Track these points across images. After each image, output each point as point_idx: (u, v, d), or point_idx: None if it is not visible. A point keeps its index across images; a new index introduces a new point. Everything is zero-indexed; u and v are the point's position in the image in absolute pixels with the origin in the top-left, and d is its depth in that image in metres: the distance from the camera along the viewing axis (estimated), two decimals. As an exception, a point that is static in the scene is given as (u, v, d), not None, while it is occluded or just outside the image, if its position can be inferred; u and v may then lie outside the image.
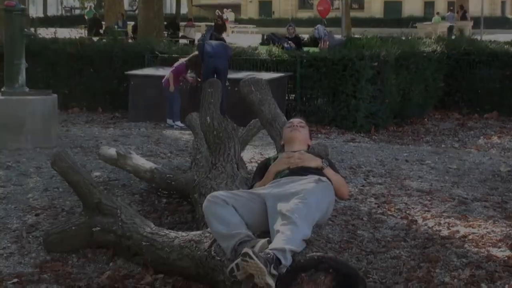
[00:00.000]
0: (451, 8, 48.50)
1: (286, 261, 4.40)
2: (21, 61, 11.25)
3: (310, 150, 6.10)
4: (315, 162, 5.67)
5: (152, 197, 8.33)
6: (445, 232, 7.26)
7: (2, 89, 11.42)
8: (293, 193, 5.07)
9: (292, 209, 4.78)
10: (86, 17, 60.91)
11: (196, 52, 15.06)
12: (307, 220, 4.79)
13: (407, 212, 7.97)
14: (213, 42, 15.68)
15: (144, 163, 8.48)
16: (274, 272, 4.31)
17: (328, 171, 5.58)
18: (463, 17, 39.54)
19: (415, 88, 16.25)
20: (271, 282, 4.28)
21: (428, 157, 11.20)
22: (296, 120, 6.30)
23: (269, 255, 4.37)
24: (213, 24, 30.24)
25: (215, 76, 13.88)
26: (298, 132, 6.12)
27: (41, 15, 72.37)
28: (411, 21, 49.28)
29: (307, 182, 5.28)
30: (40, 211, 7.80)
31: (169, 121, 14.61)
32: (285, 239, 4.54)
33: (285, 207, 4.81)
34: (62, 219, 7.39)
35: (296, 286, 4.31)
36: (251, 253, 4.31)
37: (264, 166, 6.02)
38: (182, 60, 14.89)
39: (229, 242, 4.94)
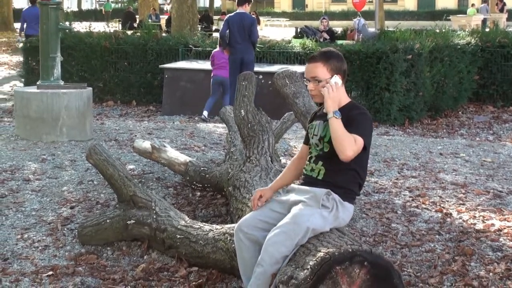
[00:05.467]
0: (485, 0, 48.12)
1: None
2: (56, 54, 11.32)
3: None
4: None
5: (186, 190, 8.34)
6: (480, 226, 7.21)
7: (38, 83, 11.50)
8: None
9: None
10: (104, 10, 61.38)
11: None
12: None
13: (442, 205, 7.93)
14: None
15: (178, 156, 8.50)
16: None
17: (335, 121, 4.73)
18: (502, 10, 39.21)
19: (449, 80, 16.13)
20: None
21: (463, 150, 11.13)
22: None
23: None
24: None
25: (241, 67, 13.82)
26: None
27: (75, 9, 72.81)
28: (445, 14, 49.02)
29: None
30: (75, 204, 7.86)
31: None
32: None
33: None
34: (96, 212, 7.43)
35: (330, 279, 4.29)
36: None
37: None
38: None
39: (244, 277, 5.07)
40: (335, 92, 4.82)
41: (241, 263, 5.07)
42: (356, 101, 14.54)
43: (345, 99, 5.00)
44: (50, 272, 6.14)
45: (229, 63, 14.34)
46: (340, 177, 4.95)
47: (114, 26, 28.65)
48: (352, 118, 4.82)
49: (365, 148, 4.84)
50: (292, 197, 5.01)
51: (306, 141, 5.29)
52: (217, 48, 14.81)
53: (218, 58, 14.58)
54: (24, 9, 25.93)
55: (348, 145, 4.69)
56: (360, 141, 4.76)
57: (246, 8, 14.47)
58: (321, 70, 4.96)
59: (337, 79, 4.92)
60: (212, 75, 14.60)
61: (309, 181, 5.04)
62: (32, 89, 11.55)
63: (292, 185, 5.21)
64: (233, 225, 5.83)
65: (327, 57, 5.00)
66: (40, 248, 6.69)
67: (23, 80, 18.33)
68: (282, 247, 4.67)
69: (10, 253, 6.55)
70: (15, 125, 11.80)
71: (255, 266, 4.77)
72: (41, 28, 11.46)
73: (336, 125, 4.72)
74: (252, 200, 5.25)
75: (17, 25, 45.74)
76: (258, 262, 4.73)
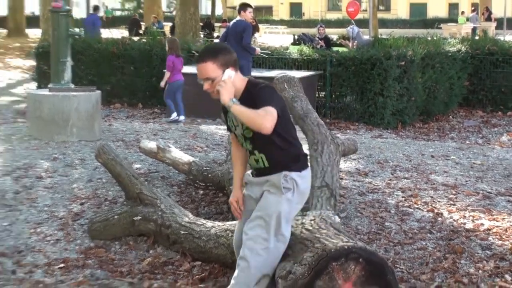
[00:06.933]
0: (473, 9, 48.13)
1: None
2: (67, 59, 11.33)
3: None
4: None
5: (189, 188, 8.36)
6: (469, 225, 7.22)
7: (49, 86, 11.51)
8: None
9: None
10: (104, 16, 61.51)
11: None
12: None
13: (433, 205, 7.93)
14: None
15: (182, 156, 8.51)
16: None
17: (235, 108, 4.54)
18: (488, 19, 39.20)
19: (440, 86, 16.13)
20: None
21: (453, 152, 11.14)
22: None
23: None
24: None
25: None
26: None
27: (84, 16, 72.79)
28: (436, 22, 48.99)
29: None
30: (84, 200, 7.87)
31: None
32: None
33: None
34: (105, 208, 7.45)
35: (327, 275, 4.30)
36: None
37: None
38: None
39: None
40: (228, 86, 4.59)
41: None
42: (351, 106, 14.56)
43: (241, 83, 4.74)
44: (62, 264, 6.16)
45: None
46: (280, 152, 4.74)
47: (121, 32, 28.66)
48: (255, 96, 4.58)
49: (279, 115, 4.53)
50: (255, 191, 4.88)
51: (229, 129, 5.02)
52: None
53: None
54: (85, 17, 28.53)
55: (260, 119, 4.42)
56: (271, 110, 4.46)
57: (244, 15, 14.40)
58: (211, 68, 4.66)
59: (229, 73, 4.65)
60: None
61: (260, 172, 4.86)
62: (44, 92, 11.56)
63: (248, 177, 5.01)
64: (234, 222, 5.84)
65: (214, 54, 4.71)
66: (52, 241, 6.70)
67: (35, 83, 18.32)
68: (259, 238, 4.66)
69: (24, 246, 6.57)
70: (28, 125, 11.81)
71: (238, 259, 4.74)
72: (52, 34, 11.47)
73: (239, 110, 4.50)
74: (233, 211, 5.10)
75: (28, 31, 45.87)
76: (241, 256, 4.70)
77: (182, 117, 14.50)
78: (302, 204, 4.95)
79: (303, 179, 4.81)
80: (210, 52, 4.76)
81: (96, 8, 30.25)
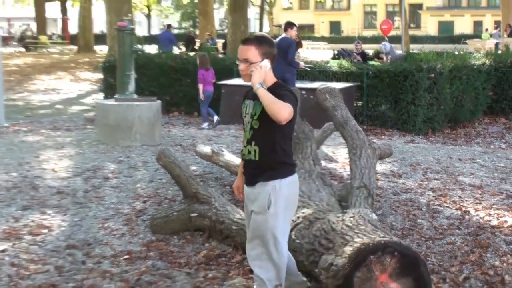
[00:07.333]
0: (496, 26, 47.57)
1: None
2: (131, 72, 11.43)
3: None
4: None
5: (240, 188, 8.34)
6: (494, 222, 7.14)
7: (115, 96, 11.61)
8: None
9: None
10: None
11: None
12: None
13: (461, 204, 7.85)
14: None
15: (234, 159, 8.51)
16: None
17: (261, 90, 4.44)
18: (511, 34, 38.64)
19: (467, 96, 15.97)
20: None
21: (479, 156, 11.02)
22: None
23: None
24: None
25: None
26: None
27: (146, 34, 73.37)
28: (462, 38, 48.52)
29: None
30: (146, 198, 7.90)
31: None
32: None
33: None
34: (165, 206, 7.47)
35: (365, 267, 4.27)
36: None
37: None
38: None
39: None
40: (262, 72, 4.51)
41: None
42: (386, 114, 14.45)
43: (271, 81, 4.62)
44: (126, 256, 6.18)
45: None
46: (272, 152, 4.58)
47: (180, 48, 28.87)
48: (279, 95, 4.41)
49: (292, 119, 4.44)
50: (249, 199, 4.76)
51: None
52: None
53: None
54: (158, 34, 30.41)
55: (281, 106, 4.33)
56: (291, 106, 4.38)
57: (289, 33, 14.38)
58: (253, 52, 4.59)
59: (266, 63, 4.57)
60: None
61: (248, 165, 4.70)
62: (111, 102, 11.66)
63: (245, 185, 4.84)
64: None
65: (260, 41, 4.64)
66: (117, 235, 6.73)
67: (102, 93, 18.50)
68: (263, 255, 4.59)
69: (93, 239, 6.61)
70: (96, 131, 11.92)
71: (254, 276, 4.67)
72: (118, 50, 11.58)
73: (264, 93, 4.40)
74: (237, 196, 5.15)
75: (96, 47, 46.37)
76: (255, 274, 4.62)
77: (205, 124, 14.78)
78: (294, 209, 4.77)
79: (288, 184, 4.62)
80: (257, 39, 4.69)
81: (169, 25, 31.73)
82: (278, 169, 4.61)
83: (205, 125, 14.74)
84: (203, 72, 14.83)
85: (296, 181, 4.72)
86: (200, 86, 14.79)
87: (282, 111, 4.33)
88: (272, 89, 4.50)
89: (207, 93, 14.90)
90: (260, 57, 4.59)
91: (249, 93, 4.77)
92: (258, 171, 4.63)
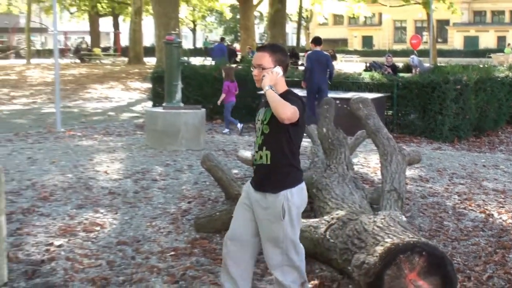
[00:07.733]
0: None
1: None
2: (178, 82, 11.50)
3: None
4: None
5: (278, 190, 8.33)
6: (517, 225, 7.06)
7: (163, 104, 11.69)
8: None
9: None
10: (203, 46, 61.75)
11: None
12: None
13: (485, 207, 7.78)
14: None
15: (272, 164, 8.50)
16: None
17: (270, 92, 4.40)
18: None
19: (491, 106, 15.84)
20: None
21: (502, 163, 10.90)
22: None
23: None
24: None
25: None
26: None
27: (191, 47, 73.76)
28: (487, 52, 48.04)
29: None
30: (191, 199, 7.93)
31: None
32: None
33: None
34: (208, 206, 7.50)
35: (395, 265, 4.25)
36: None
37: None
38: None
39: None
40: (273, 76, 4.46)
41: None
42: (414, 122, 14.36)
43: (282, 88, 4.56)
44: (172, 252, 6.21)
45: (307, 89, 14.40)
46: (283, 157, 4.50)
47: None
48: (288, 99, 4.34)
49: (298, 122, 4.39)
50: (254, 206, 4.59)
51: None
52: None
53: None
54: (213, 46, 32.64)
55: (285, 106, 4.26)
56: (296, 108, 4.32)
57: (320, 47, 14.66)
58: (267, 59, 4.52)
59: (278, 69, 4.52)
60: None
61: (259, 169, 4.57)
62: (159, 109, 11.73)
63: (249, 188, 4.68)
64: (316, 219, 5.82)
65: (274, 49, 4.59)
66: (164, 233, 6.77)
67: (151, 102, 18.62)
68: (285, 262, 4.53)
69: (141, 236, 6.65)
70: (145, 137, 12.01)
71: (275, 284, 4.61)
72: (166, 61, 11.65)
73: (272, 94, 4.36)
74: None
75: (145, 59, 46.69)
76: (280, 281, 4.55)
77: (226, 130, 15.13)
78: (302, 209, 4.67)
79: (298, 192, 4.57)
80: (272, 47, 4.65)
81: (222, 38, 33.15)
82: (288, 175, 4.55)
83: (226, 130, 15.06)
84: (229, 84, 15.12)
85: (304, 188, 4.66)
86: (223, 96, 15.06)
87: (285, 109, 4.27)
88: (283, 96, 4.44)
89: (231, 103, 15.20)
90: (273, 64, 4.54)
91: (262, 103, 4.73)
92: (268, 175, 4.54)
